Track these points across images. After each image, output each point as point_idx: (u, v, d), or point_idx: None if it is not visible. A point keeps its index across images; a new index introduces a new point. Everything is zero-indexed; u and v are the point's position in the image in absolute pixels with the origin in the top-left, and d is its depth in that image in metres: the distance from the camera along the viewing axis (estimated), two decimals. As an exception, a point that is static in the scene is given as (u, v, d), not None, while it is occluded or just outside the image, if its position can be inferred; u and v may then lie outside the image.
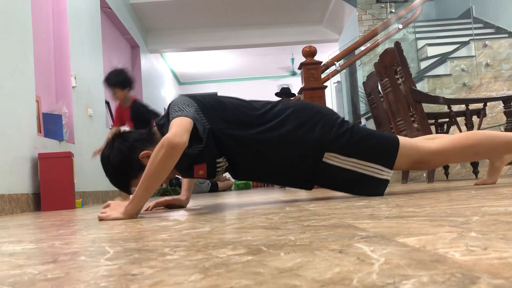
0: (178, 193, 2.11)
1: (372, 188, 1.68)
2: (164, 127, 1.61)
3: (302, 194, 2.75)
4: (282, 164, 1.70)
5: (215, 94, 1.80)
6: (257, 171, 1.75)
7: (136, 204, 1.48)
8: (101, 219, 1.47)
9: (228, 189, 7.37)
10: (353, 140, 1.67)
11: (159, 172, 1.45)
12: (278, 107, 1.73)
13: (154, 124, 1.73)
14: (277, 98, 6.10)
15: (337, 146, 1.66)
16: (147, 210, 1.94)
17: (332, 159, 1.66)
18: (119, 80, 3.66)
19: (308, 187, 1.81)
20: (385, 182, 1.68)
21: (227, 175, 9.18)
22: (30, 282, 0.49)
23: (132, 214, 1.47)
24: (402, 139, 1.71)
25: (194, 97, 1.68)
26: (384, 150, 1.68)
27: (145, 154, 1.61)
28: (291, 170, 1.71)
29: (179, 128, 1.46)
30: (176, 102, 1.63)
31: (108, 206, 1.57)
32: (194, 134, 1.54)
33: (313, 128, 1.68)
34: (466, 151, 1.72)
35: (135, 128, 3.66)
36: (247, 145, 1.66)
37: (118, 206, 1.53)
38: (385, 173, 1.67)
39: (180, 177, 2.07)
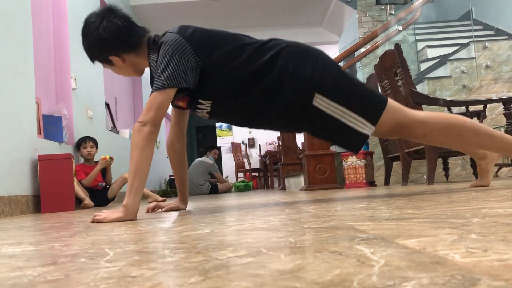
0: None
1: (350, 141, 1.67)
2: (152, 50, 1.68)
3: (302, 196, 2.75)
4: (273, 104, 1.66)
5: (211, 29, 1.78)
6: (245, 112, 1.70)
7: (134, 197, 1.47)
8: (98, 222, 1.45)
9: (228, 190, 7.37)
10: (344, 84, 1.65)
11: (144, 156, 1.50)
12: (271, 43, 1.70)
13: (149, 37, 1.72)
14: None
15: (328, 85, 1.63)
16: (147, 212, 1.94)
17: (321, 103, 1.62)
18: None
19: (296, 129, 1.78)
20: (364, 137, 1.65)
21: (228, 179, 9.17)
22: (30, 284, 0.49)
23: (133, 211, 1.47)
24: (391, 100, 1.70)
25: (189, 37, 1.62)
26: (372, 103, 1.66)
27: (114, 59, 1.70)
28: (281, 110, 1.66)
29: (156, 112, 1.53)
30: (167, 45, 1.60)
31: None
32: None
33: (306, 64, 1.65)
34: (449, 128, 1.71)
35: None
36: (237, 82, 1.64)
37: (115, 209, 1.52)
38: (366, 128, 1.64)
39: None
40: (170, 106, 1.76)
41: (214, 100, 1.68)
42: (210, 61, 1.62)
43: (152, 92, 1.57)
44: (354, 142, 1.67)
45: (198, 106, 1.71)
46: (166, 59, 1.57)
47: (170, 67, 1.55)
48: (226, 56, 1.64)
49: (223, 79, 1.64)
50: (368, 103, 1.66)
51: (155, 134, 1.53)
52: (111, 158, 4.11)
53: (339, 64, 4.35)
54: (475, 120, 1.74)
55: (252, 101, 1.66)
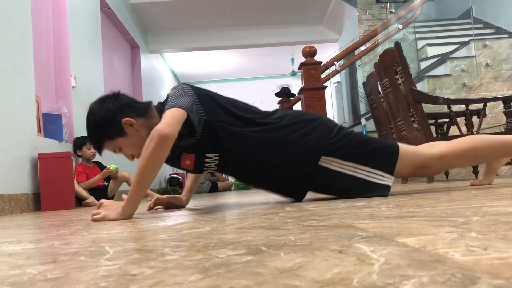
0: (178, 193, 2.11)
1: (373, 192, 1.66)
2: (162, 111, 1.62)
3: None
4: (276, 166, 1.69)
5: (217, 93, 1.86)
6: (248, 171, 1.74)
7: (133, 202, 1.47)
8: (95, 221, 1.45)
9: (228, 189, 7.37)
10: (351, 145, 1.66)
11: (151, 164, 1.45)
12: (277, 114, 1.75)
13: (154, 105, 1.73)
14: (277, 98, 6.09)
15: (335, 150, 1.65)
16: (148, 210, 1.94)
17: (329, 163, 1.66)
18: None
19: (298, 196, 1.79)
20: (387, 188, 1.65)
21: (229, 178, 9.17)
22: (30, 283, 0.49)
23: (130, 214, 1.46)
24: (402, 145, 1.71)
25: (195, 88, 1.68)
26: (383, 155, 1.67)
27: (128, 121, 1.61)
28: (285, 173, 1.69)
29: (171, 119, 1.48)
30: (175, 89, 1.64)
31: (101, 205, 1.54)
32: (189, 126, 1.55)
33: (311, 133, 1.68)
34: (466, 155, 1.72)
35: None
36: (243, 142, 1.66)
37: (113, 206, 1.50)
38: (386, 179, 1.65)
39: (180, 177, 2.07)
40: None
41: (221, 154, 1.69)
42: (214, 118, 1.64)
43: (167, 108, 1.52)
44: (378, 191, 1.66)
45: (206, 161, 1.70)
46: (175, 96, 1.58)
47: (180, 99, 1.56)
48: (230, 118, 1.66)
49: (228, 135, 1.65)
50: (380, 155, 1.67)
51: (169, 146, 1.47)
52: (116, 170, 4.06)
53: (340, 62, 4.33)
54: (485, 135, 1.77)
55: (257, 165, 1.70)
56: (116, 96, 1.67)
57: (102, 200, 1.58)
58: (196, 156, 1.68)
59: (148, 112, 1.67)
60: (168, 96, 1.64)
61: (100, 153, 1.69)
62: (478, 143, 1.73)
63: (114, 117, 1.60)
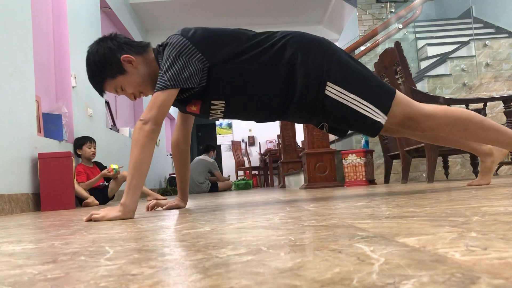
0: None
1: (366, 127, 1.67)
2: (159, 55, 1.64)
3: (302, 194, 2.75)
4: (284, 95, 1.65)
5: (213, 28, 1.80)
6: (259, 108, 1.70)
7: (132, 196, 1.47)
8: (95, 220, 1.45)
9: (228, 189, 7.37)
10: (355, 73, 1.65)
11: (143, 155, 1.48)
12: (277, 34, 1.69)
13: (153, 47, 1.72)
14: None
15: (339, 74, 1.63)
16: (147, 210, 1.94)
17: (334, 92, 1.63)
18: None
19: (311, 120, 1.78)
20: (379, 125, 1.65)
21: (229, 177, 9.17)
22: (30, 282, 0.49)
23: (130, 209, 1.46)
24: (399, 92, 1.71)
25: (192, 37, 1.62)
26: (382, 93, 1.67)
27: (126, 58, 1.62)
28: (295, 101, 1.66)
29: (158, 110, 1.51)
30: (171, 47, 1.59)
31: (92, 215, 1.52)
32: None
33: (315, 54, 1.64)
34: (456, 122, 1.72)
35: None
36: (248, 77, 1.63)
37: (112, 208, 1.51)
38: (380, 116, 1.65)
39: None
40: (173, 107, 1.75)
41: (227, 99, 1.66)
42: (216, 59, 1.60)
43: (155, 91, 1.56)
44: (371, 128, 1.67)
45: (212, 107, 1.68)
46: (170, 60, 1.56)
47: (173, 68, 1.54)
48: (232, 52, 1.62)
49: (233, 76, 1.62)
50: (379, 93, 1.66)
51: (156, 133, 1.52)
52: (117, 171, 4.05)
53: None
54: (479, 115, 1.74)
55: (265, 95, 1.66)
56: (114, 35, 1.69)
57: (102, 210, 1.56)
58: (202, 102, 1.68)
59: (145, 52, 1.68)
60: (164, 47, 1.63)
61: (101, 94, 1.72)
62: (472, 117, 1.72)
63: (114, 55, 1.62)
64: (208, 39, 1.63)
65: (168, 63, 1.56)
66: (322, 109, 1.66)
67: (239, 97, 1.66)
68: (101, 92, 1.71)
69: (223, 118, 1.76)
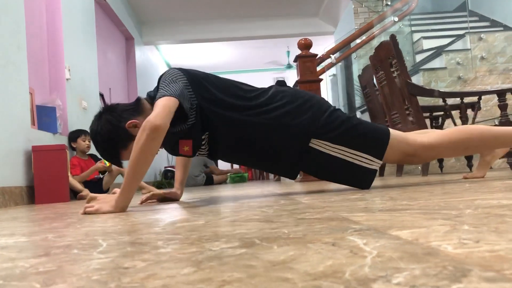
0: (173, 186, 2.11)
1: (359, 178, 1.69)
2: (154, 100, 1.63)
3: (297, 187, 2.76)
4: (268, 148, 1.70)
5: (208, 73, 1.86)
6: (240, 154, 1.76)
7: (127, 195, 1.47)
8: (88, 213, 1.44)
9: (223, 182, 7.37)
10: (343, 128, 1.66)
11: (144, 156, 1.46)
12: (270, 92, 1.73)
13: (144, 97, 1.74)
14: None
15: (326, 133, 1.66)
16: (141, 203, 1.94)
17: (320, 145, 1.66)
18: None
19: (292, 174, 1.80)
20: (373, 173, 1.68)
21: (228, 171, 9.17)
22: (22, 276, 0.49)
23: (123, 206, 1.46)
24: (393, 131, 1.72)
25: (185, 71, 1.67)
26: (374, 140, 1.68)
27: (131, 123, 1.62)
28: (276, 154, 1.71)
29: (162, 110, 1.49)
30: (166, 75, 1.63)
31: (92, 199, 1.55)
32: (181, 112, 1.56)
33: (303, 115, 1.68)
34: (457, 146, 1.73)
35: None
36: (234, 126, 1.67)
37: (106, 199, 1.51)
38: (374, 164, 1.67)
39: (175, 170, 2.07)
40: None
41: (210, 136, 1.70)
42: (205, 101, 1.64)
43: (158, 97, 1.53)
44: (364, 178, 1.69)
45: (203, 142, 1.72)
46: (165, 83, 1.58)
47: (171, 86, 1.56)
48: (222, 101, 1.66)
49: (218, 120, 1.66)
50: (371, 140, 1.67)
51: (161, 138, 1.48)
52: (110, 163, 4.04)
53: (336, 55, 4.31)
54: (478, 126, 1.76)
55: (248, 146, 1.71)
56: (109, 107, 1.69)
57: (94, 195, 1.58)
58: (194, 140, 1.69)
59: (142, 107, 1.68)
60: (159, 81, 1.65)
61: (121, 165, 1.73)
62: (469, 135, 1.72)
63: (117, 126, 1.62)
64: (200, 80, 1.67)
65: (165, 84, 1.58)
66: (306, 160, 1.69)
67: (221, 140, 1.71)
68: (120, 164, 1.72)
69: (211, 158, 1.83)
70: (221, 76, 1.83)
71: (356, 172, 1.67)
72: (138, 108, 1.68)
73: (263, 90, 1.76)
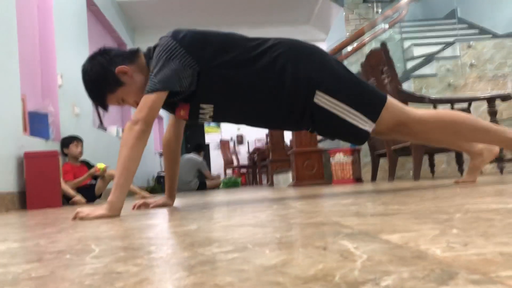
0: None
1: (353, 136, 1.70)
2: (150, 60, 1.64)
3: (290, 192, 2.76)
4: (273, 104, 1.67)
5: (205, 30, 1.81)
6: (246, 113, 1.73)
7: (119, 195, 1.46)
8: (81, 218, 1.44)
9: (216, 187, 7.36)
10: (345, 81, 1.66)
11: (132, 155, 1.48)
12: (270, 43, 1.70)
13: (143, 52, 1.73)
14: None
15: (328, 83, 1.64)
16: (133, 208, 1.93)
17: (322, 100, 1.64)
18: None
19: (300, 128, 1.80)
20: (365, 133, 1.67)
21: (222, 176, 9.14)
22: (14, 281, 0.49)
23: (117, 208, 1.46)
24: (390, 98, 1.73)
25: (182, 40, 1.61)
26: (372, 100, 1.69)
27: (121, 69, 1.63)
28: (284, 109, 1.68)
29: (148, 109, 1.52)
30: (162, 49, 1.59)
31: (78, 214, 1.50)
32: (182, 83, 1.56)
33: (305, 62, 1.66)
34: (447, 126, 1.75)
35: None
36: (237, 85, 1.64)
37: (98, 206, 1.51)
38: (367, 125, 1.67)
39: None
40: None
41: (216, 103, 1.68)
42: (206, 64, 1.61)
43: (145, 93, 1.56)
44: (357, 137, 1.70)
45: (200, 111, 1.69)
46: (160, 62, 1.57)
47: (163, 71, 1.55)
48: (222, 58, 1.63)
49: (223, 82, 1.63)
50: (368, 101, 1.68)
51: (146, 134, 1.52)
52: (104, 170, 4.03)
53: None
54: (474, 116, 1.78)
55: (254, 102, 1.68)
56: (103, 50, 1.69)
57: (86, 208, 1.55)
58: (191, 106, 1.68)
59: (137, 59, 1.69)
60: (155, 48, 1.63)
61: (106, 109, 1.71)
62: (463, 120, 1.75)
63: (108, 69, 1.63)
64: (198, 43, 1.63)
65: (158, 66, 1.56)
66: (310, 117, 1.68)
67: (228, 103, 1.68)
68: (105, 107, 1.70)
69: (212, 121, 1.78)
70: (217, 31, 1.76)
71: (351, 131, 1.67)
72: (133, 57, 1.68)
73: (263, 40, 1.72)
